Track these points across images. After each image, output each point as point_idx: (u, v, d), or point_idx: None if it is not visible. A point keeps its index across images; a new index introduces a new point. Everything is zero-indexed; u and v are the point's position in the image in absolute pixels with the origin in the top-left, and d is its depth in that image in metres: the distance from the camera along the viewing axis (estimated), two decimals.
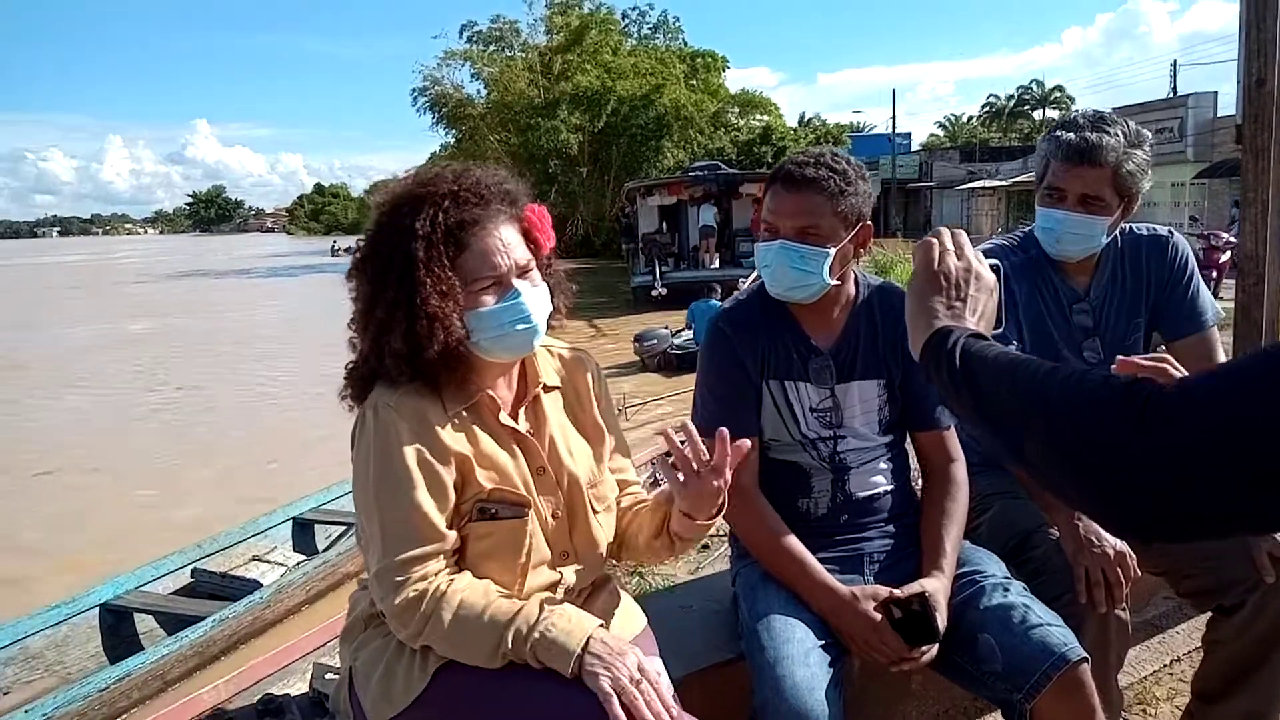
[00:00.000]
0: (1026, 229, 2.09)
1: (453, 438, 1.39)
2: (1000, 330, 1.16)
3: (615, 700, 1.23)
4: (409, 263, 1.35)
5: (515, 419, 1.49)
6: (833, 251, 1.70)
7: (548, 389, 1.55)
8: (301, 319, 24.09)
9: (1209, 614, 1.96)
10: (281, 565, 5.90)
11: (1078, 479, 0.78)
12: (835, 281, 1.74)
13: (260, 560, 5.98)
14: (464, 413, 1.43)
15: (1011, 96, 76.22)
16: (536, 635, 1.29)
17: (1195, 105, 27.85)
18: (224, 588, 5.50)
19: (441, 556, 1.36)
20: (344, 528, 6.32)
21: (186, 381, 14.71)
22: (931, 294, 1.14)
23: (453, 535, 1.37)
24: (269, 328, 22.41)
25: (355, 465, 1.39)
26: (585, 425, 1.58)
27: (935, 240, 1.21)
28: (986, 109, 78.20)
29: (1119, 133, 1.87)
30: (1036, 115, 74.44)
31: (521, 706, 1.29)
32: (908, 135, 51.87)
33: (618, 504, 1.61)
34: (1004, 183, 41.66)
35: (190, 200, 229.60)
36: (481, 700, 1.31)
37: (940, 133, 76.63)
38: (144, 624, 5.22)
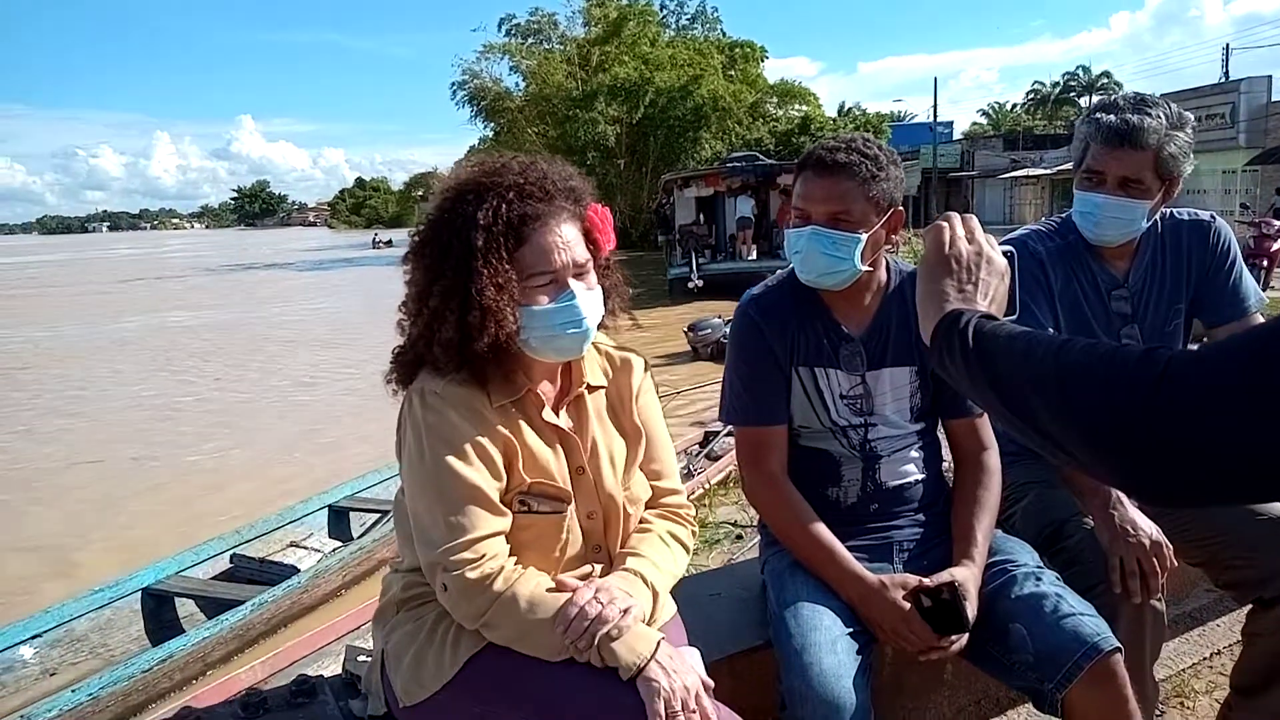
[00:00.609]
0: (1064, 214, 2.06)
1: (499, 428, 1.39)
2: (1015, 317, 1.15)
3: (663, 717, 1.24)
4: (468, 252, 1.35)
5: (557, 415, 1.49)
6: (864, 237, 1.69)
7: (592, 389, 1.55)
8: (344, 311, 24.47)
9: (1249, 606, 1.92)
10: (318, 551, 5.99)
11: (1099, 448, 0.77)
12: (867, 268, 1.72)
13: (297, 546, 6.06)
14: (509, 407, 1.43)
15: (1057, 83, 74.73)
16: (615, 631, 1.30)
17: (1248, 90, 27.14)
18: (262, 573, 5.60)
19: (503, 537, 1.37)
20: (378, 515, 6.41)
21: (230, 372, 14.99)
22: (942, 277, 1.14)
23: (509, 515, 1.38)
24: (313, 320, 22.72)
25: (406, 448, 1.40)
26: (625, 426, 1.57)
27: (946, 224, 1.21)
28: (1031, 96, 76.80)
29: (1160, 115, 1.83)
30: (1083, 102, 72.88)
31: (559, 699, 1.30)
32: (950, 124, 51.07)
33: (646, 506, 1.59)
34: (1048, 171, 40.86)
35: (235, 195, 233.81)
36: (516, 689, 1.32)
37: (984, 121, 75.48)
38: (184, 608, 5.34)
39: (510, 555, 1.38)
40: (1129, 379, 0.75)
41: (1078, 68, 74.82)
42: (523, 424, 1.43)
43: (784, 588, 1.69)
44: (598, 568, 1.49)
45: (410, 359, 1.45)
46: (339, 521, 6.59)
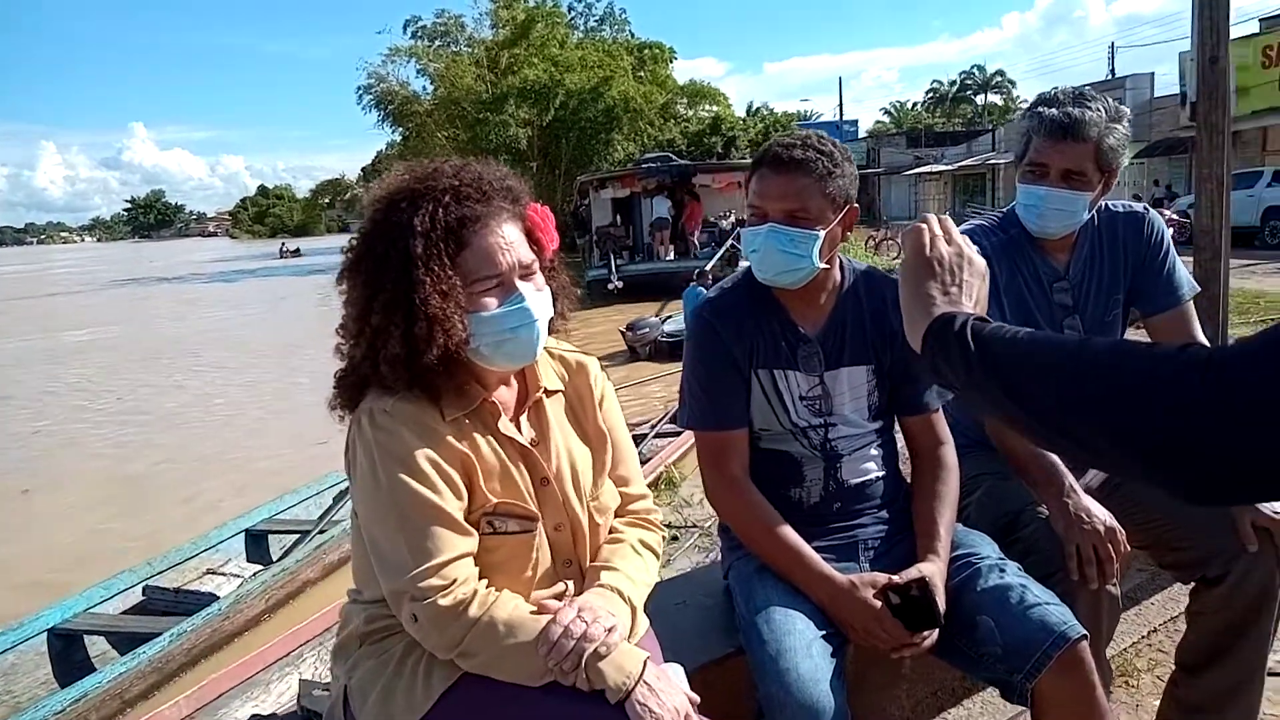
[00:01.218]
0: (1005, 209, 2.09)
1: (455, 445, 1.33)
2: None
3: None
4: (407, 261, 1.29)
5: (517, 426, 1.44)
6: (822, 234, 1.68)
7: (549, 393, 1.50)
8: (253, 323, 23.63)
9: (1189, 585, 1.98)
10: (237, 577, 5.75)
11: (1143, 449, 0.76)
12: (824, 265, 1.72)
13: (214, 573, 5.82)
14: (464, 420, 1.37)
15: (954, 82, 77.49)
16: (603, 649, 1.25)
17: (1133, 87, 28.60)
18: (178, 603, 5.32)
19: (472, 558, 1.30)
20: (298, 536, 6.19)
21: (131, 392, 14.29)
22: (925, 279, 1.13)
23: (476, 535, 1.32)
24: (218, 334, 21.86)
25: (359, 472, 1.33)
26: (588, 431, 1.53)
27: (925, 226, 1.20)
28: (931, 95, 79.37)
29: (1100, 108, 1.88)
30: (979, 100, 75.71)
31: None
32: (855, 122, 52.47)
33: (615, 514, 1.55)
34: (949, 167, 42.33)
35: (129, 206, 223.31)
36: (495, 716, 1.26)
37: (886, 119, 77.60)
38: (95, 646, 5.03)
39: (480, 578, 1.31)
40: (1169, 378, 0.74)
41: (973, 67, 77.69)
42: (480, 438, 1.37)
43: (753, 593, 1.67)
44: (570, 584, 1.44)
45: (354, 381, 1.37)
46: (257, 545, 6.32)
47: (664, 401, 8.93)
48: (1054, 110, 1.89)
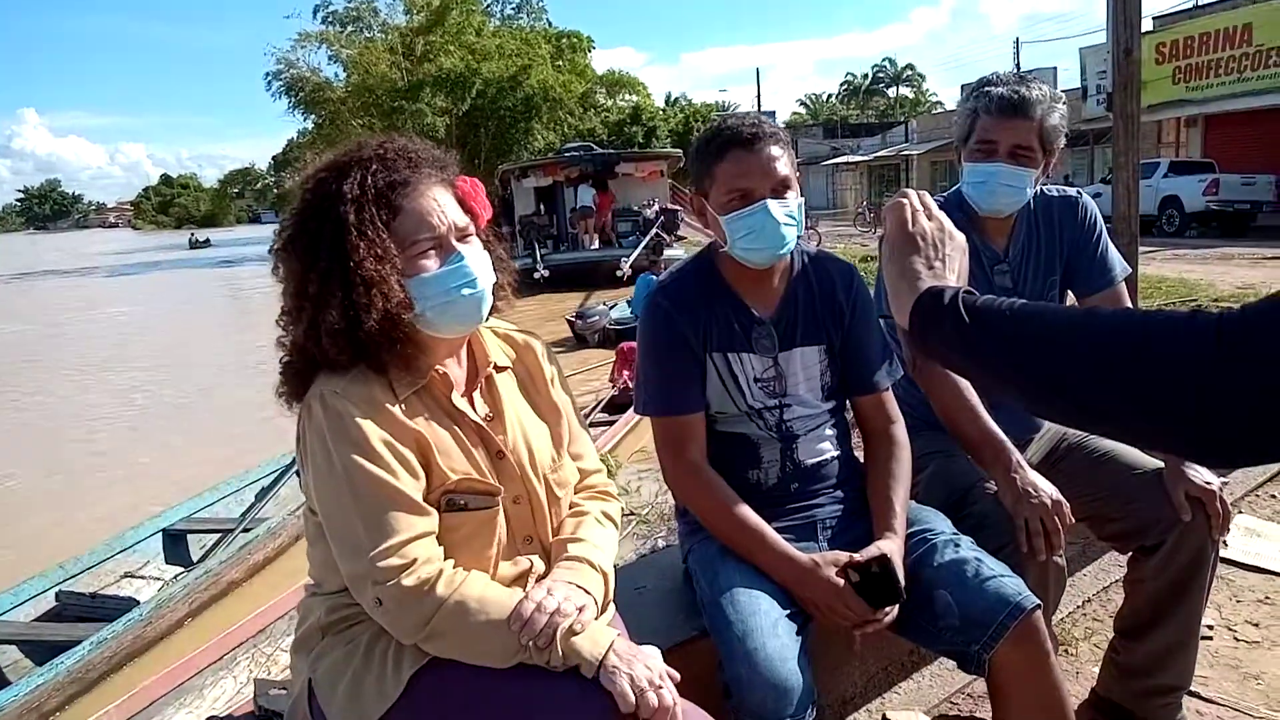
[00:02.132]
0: (945, 193, 2.13)
1: (408, 424, 1.30)
2: None
3: (633, 701, 1.19)
4: (340, 229, 1.27)
5: (470, 402, 1.42)
6: (802, 202, 1.73)
7: (499, 369, 1.48)
8: (162, 321, 22.74)
9: (1125, 555, 2.06)
10: (157, 580, 5.50)
11: (1154, 412, 0.77)
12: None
13: (133, 576, 5.55)
14: (414, 398, 1.34)
15: (867, 75, 79.15)
16: (577, 625, 1.23)
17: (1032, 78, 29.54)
18: (95, 609, 5.08)
19: (434, 538, 1.27)
20: (219, 535, 5.97)
21: (37, 390, 13.61)
22: (911, 254, 1.14)
23: (435, 515, 1.29)
24: (130, 332, 20.95)
25: (311, 458, 1.29)
26: (541, 407, 1.52)
27: (905, 201, 1.21)
28: (845, 87, 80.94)
29: (1042, 88, 1.96)
30: (891, 93, 77.49)
31: (519, 706, 1.22)
32: (772, 113, 53.04)
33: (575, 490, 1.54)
34: (865, 158, 43.26)
35: (22, 196, 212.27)
36: (469, 703, 1.23)
37: (803, 111, 78.84)
38: (6, 656, 4.77)
39: (444, 558, 1.29)
40: (1179, 341, 0.75)
41: (884, 60, 79.58)
42: (432, 415, 1.35)
43: (715, 575, 1.67)
44: (535, 560, 1.42)
45: (300, 366, 1.34)
46: (176, 546, 6.06)
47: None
48: (1001, 89, 1.95)
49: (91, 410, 12.00)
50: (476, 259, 1.36)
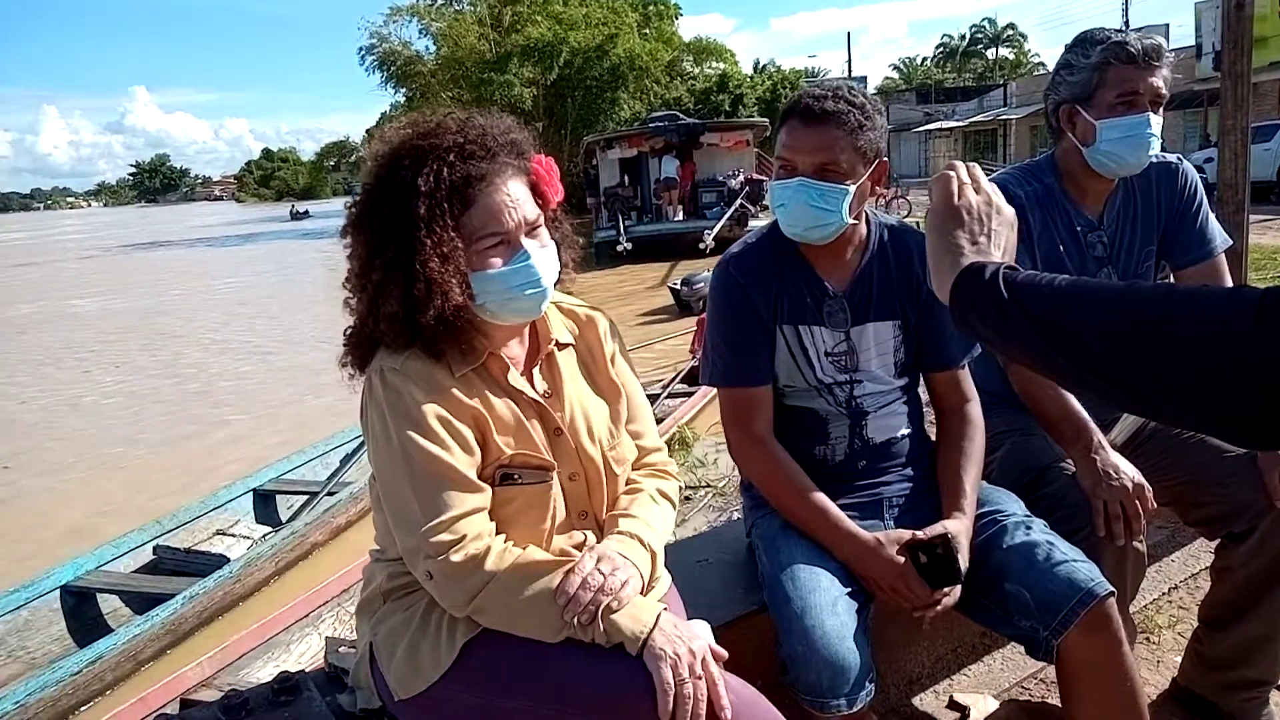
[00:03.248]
0: (1037, 157, 2.05)
1: (466, 400, 1.32)
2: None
3: (671, 691, 1.19)
4: (409, 222, 1.28)
5: (530, 379, 1.43)
6: (852, 189, 1.64)
7: (561, 346, 1.49)
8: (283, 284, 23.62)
9: (1213, 542, 1.97)
10: (247, 538, 5.78)
11: (1195, 391, 0.74)
12: (852, 220, 1.68)
13: (224, 534, 5.85)
14: (472, 375, 1.36)
15: (964, 36, 76.30)
16: (616, 603, 1.25)
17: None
18: (188, 563, 5.38)
19: (486, 513, 1.30)
20: (306, 497, 6.19)
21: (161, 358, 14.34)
22: (954, 229, 1.10)
23: (488, 491, 1.31)
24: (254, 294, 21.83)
25: (372, 431, 1.33)
26: (600, 384, 1.52)
27: (953, 174, 1.17)
28: (940, 50, 78.21)
29: (1161, 41, 1.87)
30: (990, 54, 74.58)
31: (564, 683, 1.24)
32: (863, 79, 51.70)
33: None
34: (961, 123, 41.84)
35: (134, 170, 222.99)
36: (518, 673, 1.26)
37: (896, 75, 76.64)
38: (108, 604, 5.10)
39: (497, 532, 1.32)
40: (1221, 318, 0.72)
41: (984, 20, 76.43)
42: (489, 392, 1.37)
43: (777, 550, 1.66)
44: (589, 534, 1.44)
45: (362, 339, 1.38)
46: (265, 506, 6.36)
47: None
48: (1133, 37, 1.86)
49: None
50: (541, 256, 1.37)
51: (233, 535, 5.84)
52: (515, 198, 1.35)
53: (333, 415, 8.21)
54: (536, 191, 1.41)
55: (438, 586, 1.27)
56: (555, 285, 1.44)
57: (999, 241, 1.10)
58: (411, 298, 1.27)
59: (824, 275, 1.76)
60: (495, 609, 1.27)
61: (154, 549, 5.53)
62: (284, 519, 6.20)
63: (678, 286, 13.27)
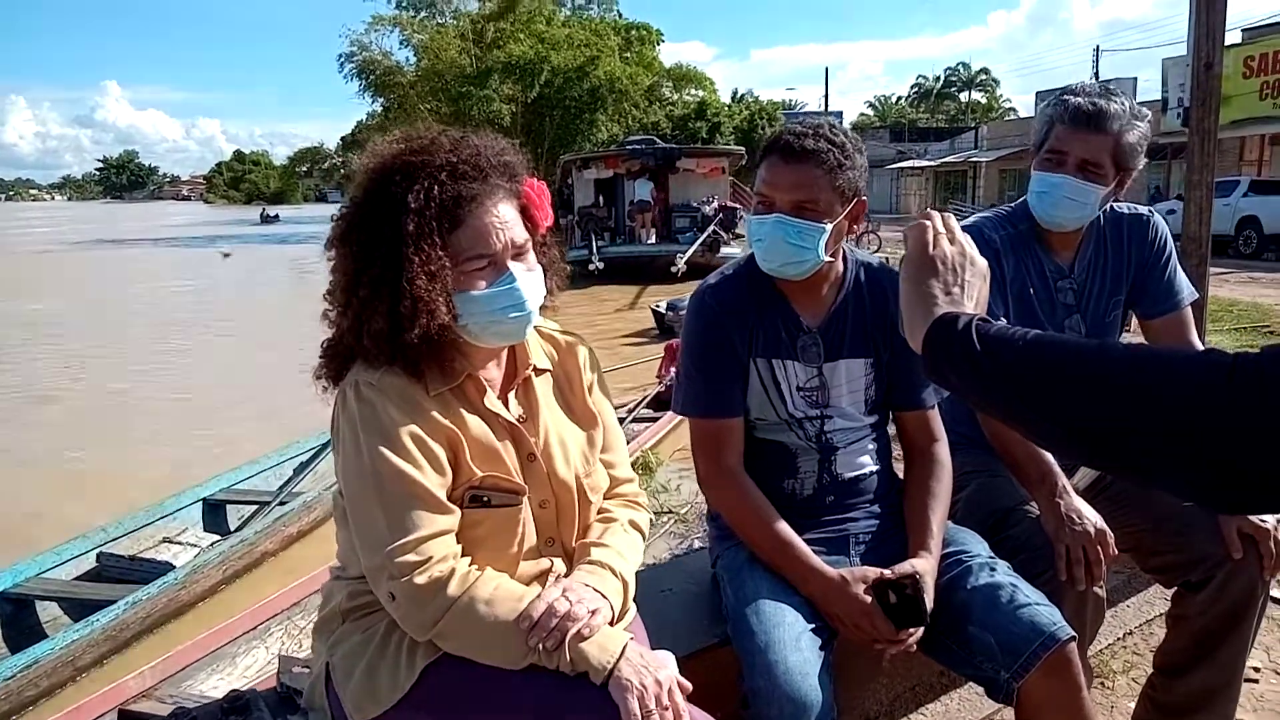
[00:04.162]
0: (1013, 203, 2.08)
1: (440, 419, 1.31)
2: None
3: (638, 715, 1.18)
4: (398, 238, 1.27)
5: (505, 402, 1.42)
6: (829, 227, 1.65)
7: (538, 371, 1.48)
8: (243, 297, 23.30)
9: (1170, 589, 1.99)
10: (194, 546, 5.63)
11: (1165, 452, 0.74)
12: (829, 258, 1.70)
13: (171, 542, 5.69)
14: (448, 395, 1.35)
15: (939, 78, 77.74)
16: (586, 630, 1.23)
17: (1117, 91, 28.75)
18: (133, 571, 5.22)
19: (452, 535, 1.28)
20: (256, 506, 6.08)
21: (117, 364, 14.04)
22: (929, 278, 1.12)
23: (457, 513, 1.30)
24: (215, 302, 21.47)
25: (342, 445, 1.31)
26: (576, 411, 1.51)
27: (928, 223, 1.18)
28: (915, 90, 79.60)
29: (1124, 103, 1.89)
30: (963, 97, 76.06)
31: (529, 707, 1.22)
32: (839, 114, 52.35)
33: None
34: (931, 163, 42.56)
35: (101, 165, 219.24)
36: (477, 700, 1.24)
37: (870, 112, 77.77)
38: (47, 612, 4.93)
39: (464, 554, 1.30)
40: (1193, 381, 0.72)
41: (958, 64, 78.01)
42: (464, 412, 1.35)
43: (743, 583, 1.66)
44: (556, 561, 1.42)
45: (341, 352, 1.36)
46: (215, 515, 6.22)
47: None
48: (1080, 99, 1.88)
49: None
50: (527, 280, 1.36)
51: (180, 543, 5.68)
52: (504, 220, 1.34)
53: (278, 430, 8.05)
54: (526, 215, 1.40)
55: (400, 609, 1.25)
56: (540, 310, 1.43)
57: (972, 292, 1.11)
58: (397, 315, 1.26)
59: (799, 310, 1.77)
60: (458, 635, 1.25)
61: (98, 556, 5.37)
62: (233, 529, 6.07)
63: (662, 310, 13.16)
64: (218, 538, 5.81)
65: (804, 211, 1.64)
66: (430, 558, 1.23)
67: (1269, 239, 19.18)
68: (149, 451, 8.68)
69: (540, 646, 1.22)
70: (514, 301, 1.34)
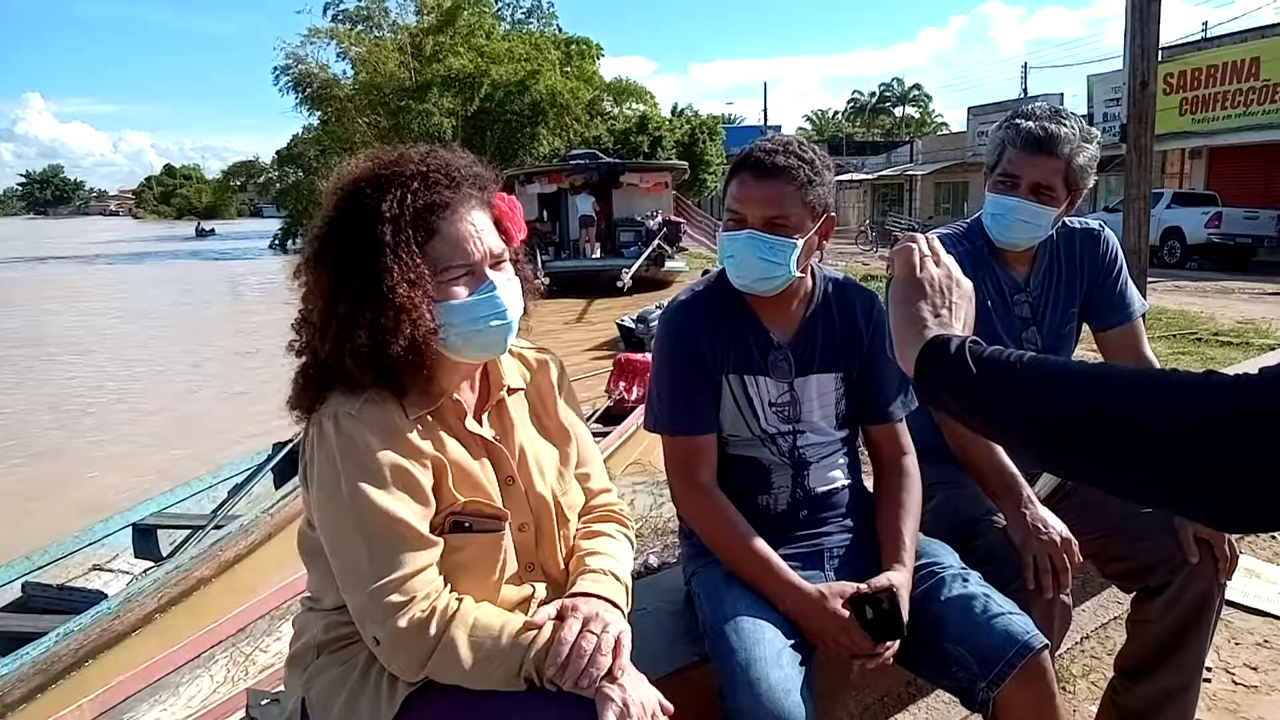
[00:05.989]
0: (969, 219, 2.12)
1: (421, 444, 1.28)
2: None
3: None
4: (375, 248, 1.23)
5: (480, 425, 1.39)
6: (800, 242, 1.66)
7: (511, 391, 1.46)
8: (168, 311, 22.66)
9: (1129, 594, 2.04)
10: (126, 573, 5.47)
11: (1170, 473, 0.76)
12: (800, 274, 1.71)
13: (101, 569, 5.52)
14: (428, 418, 1.32)
15: (874, 94, 79.31)
16: (619, 671, 1.22)
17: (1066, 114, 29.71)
18: (62, 601, 5.02)
19: (435, 568, 1.25)
20: (189, 531, 5.91)
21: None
22: (916, 300, 1.13)
23: (440, 544, 1.26)
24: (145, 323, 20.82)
25: (317, 478, 1.26)
26: (550, 429, 1.50)
27: (914, 246, 1.20)
28: (851, 104, 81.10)
29: (1074, 126, 1.92)
30: (897, 112, 77.75)
31: None
32: (778, 128, 53.08)
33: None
34: (870, 176, 43.36)
35: (23, 180, 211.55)
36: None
37: (808, 126, 79.01)
38: None
39: (446, 582, 1.27)
40: (1195, 402, 0.74)
41: (892, 80, 79.74)
42: (445, 436, 1.32)
43: (720, 601, 1.65)
44: (538, 587, 1.40)
45: (319, 380, 1.30)
46: (145, 541, 6.00)
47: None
48: (1031, 124, 1.92)
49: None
50: (507, 289, 1.34)
51: (111, 571, 5.50)
52: (480, 228, 1.32)
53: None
54: (499, 227, 1.38)
55: (386, 652, 1.22)
56: (519, 320, 1.40)
57: (959, 314, 1.13)
58: (380, 328, 1.22)
59: (769, 326, 1.77)
60: (447, 669, 1.22)
61: (23, 586, 5.14)
62: (166, 554, 5.87)
63: (630, 324, 12.99)
64: (151, 564, 5.65)
65: (776, 227, 1.65)
66: (413, 597, 1.21)
67: (1191, 249, 19.94)
68: (67, 474, 8.37)
69: (572, 684, 1.19)
70: (495, 310, 1.31)
